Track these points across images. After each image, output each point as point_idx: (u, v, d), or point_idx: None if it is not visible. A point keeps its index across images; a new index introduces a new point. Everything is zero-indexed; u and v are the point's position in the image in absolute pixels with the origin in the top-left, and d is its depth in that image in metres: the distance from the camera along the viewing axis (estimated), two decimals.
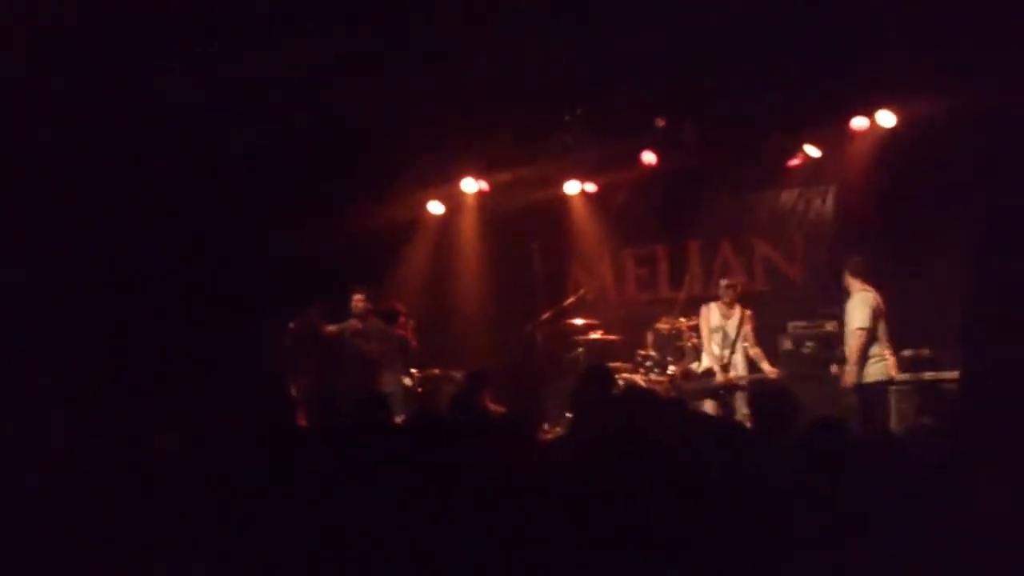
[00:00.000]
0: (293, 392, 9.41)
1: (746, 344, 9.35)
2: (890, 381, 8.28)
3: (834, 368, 8.56)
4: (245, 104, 9.20)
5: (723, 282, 9.65)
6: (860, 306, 8.22)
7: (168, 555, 3.92)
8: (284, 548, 3.93)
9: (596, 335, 10.54)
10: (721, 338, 9.38)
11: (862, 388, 8.28)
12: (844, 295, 8.54)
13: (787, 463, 4.32)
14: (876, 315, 8.24)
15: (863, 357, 8.21)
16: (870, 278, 8.43)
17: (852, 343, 8.26)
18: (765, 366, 9.26)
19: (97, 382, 7.77)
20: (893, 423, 8.14)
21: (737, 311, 9.42)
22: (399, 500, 3.99)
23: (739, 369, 9.33)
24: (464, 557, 3.72)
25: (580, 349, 10.49)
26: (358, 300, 10.12)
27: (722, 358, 9.28)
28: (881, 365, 8.23)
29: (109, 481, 4.41)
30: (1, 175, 8.28)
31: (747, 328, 9.38)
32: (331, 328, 10.14)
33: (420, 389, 10.27)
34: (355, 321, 10.14)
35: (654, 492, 3.89)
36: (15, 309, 8.11)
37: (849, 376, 8.27)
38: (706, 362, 9.43)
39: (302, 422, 6.18)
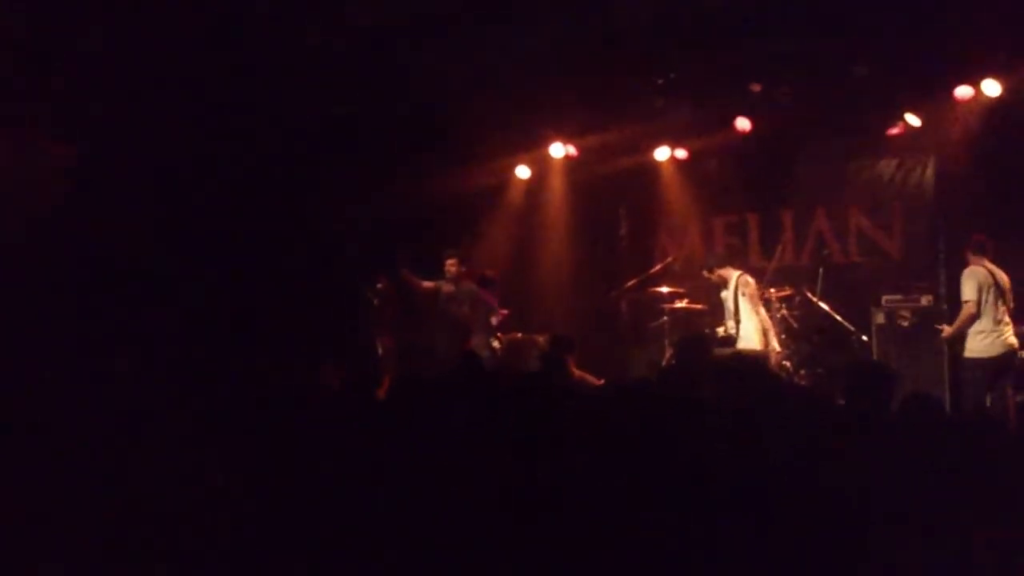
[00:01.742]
0: (379, 349, 9.63)
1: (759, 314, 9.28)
2: (993, 358, 8.04)
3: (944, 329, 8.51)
4: (336, 71, 9.25)
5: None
6: (968, 279, 8.14)
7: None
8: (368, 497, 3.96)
9: (681, 304, 10.42)
10: (725, 311, 9.43)
11: (963, 362, 8.16)
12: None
13: (879, 438, 4.23)
14: (983, 290, 8.05)
15: (965, 328, 8.10)
16: (988, 255, 8.20)
17: (961, 314, 8.19)
18: (768, 338, 9.17)
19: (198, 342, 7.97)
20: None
21: (731, 282, 9.34)
22: (491, 455, 4.01)
23: (748, 342, 9.28)
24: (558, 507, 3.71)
25: (665, 318, 10.40)
26: (451, 264, 10.16)
27: (727, 328, 9.32)
28: (988, 342, 8.04)
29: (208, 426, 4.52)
30: (101, 149, 8.54)
31: (746, 296, 9.27)
32: (428, 284, 10.21)
33: (503, 352, 10.27)
34: (448, 284, 10.17)
35: (741, 461, 3.84)
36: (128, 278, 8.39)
37: (944, 333, 8.38)
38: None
39: (387, 378, 6.22)
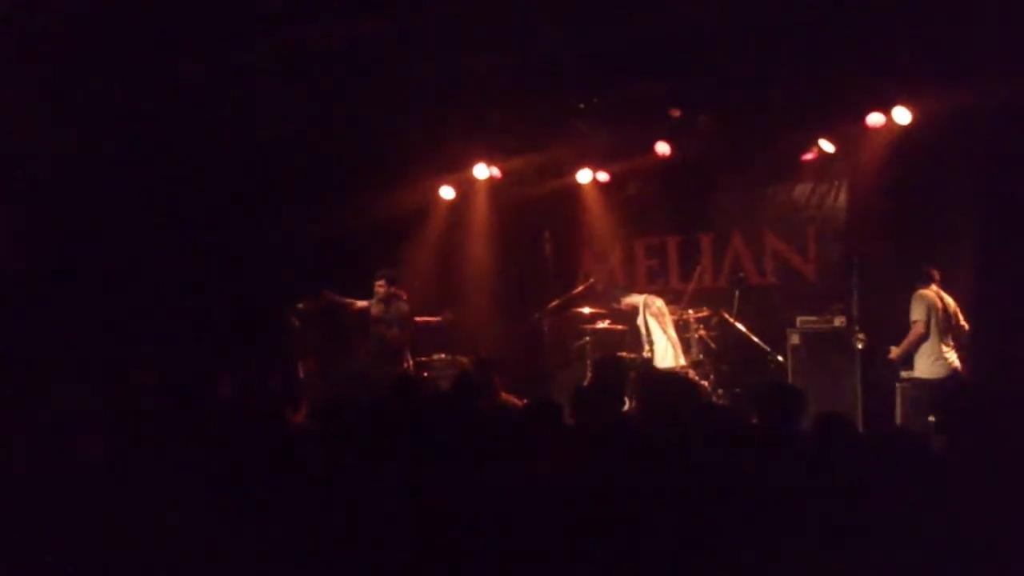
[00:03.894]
0: (300, 372, 9.57)
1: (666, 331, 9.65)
2: (937, 379, 8.35)
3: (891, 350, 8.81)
4: (260, 92, 9.23)
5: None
6: (917, 302, 8.58)
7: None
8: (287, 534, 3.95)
9: (603, 325, 10.54)
10: (642, 336, 9.75)
11: (912, 382, 8.55)
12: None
13: (791, 458, 4.34)
14: (931, 312, 8.48)
15: (914, 349, 8.53)
16: (936, 283, 8.66)
17: (909, 334, 8.58)
18: (676, 352, 9.60)
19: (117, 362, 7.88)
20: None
21: (640, 307, 9.61)
22: (408, 485, 4.02)
23: (664, 362, 9.54)
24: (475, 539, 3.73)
25: (587, 338, 10.51)
26: (380, 285, 10.03)
27: (644, 352, 9.66)
28: (934, 364, 8.42)
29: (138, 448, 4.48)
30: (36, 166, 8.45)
31: (652, 315, 9.55)
32: (361, 304, 10.15)
33: (426, 374, 10.27)
34: (377, 305, 10.08)
35: (654, 484, 3.91)
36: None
37: (892, 354, 8.71)
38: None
39: (304, 403, 6.21)
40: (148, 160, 9.21)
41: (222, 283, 9.68)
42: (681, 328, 9.97)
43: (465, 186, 11.67)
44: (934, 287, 8.62)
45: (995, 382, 8.19)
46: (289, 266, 10.27)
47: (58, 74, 8.18)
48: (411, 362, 10.24)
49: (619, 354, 9.65)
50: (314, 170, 10.32)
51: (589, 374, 9.92)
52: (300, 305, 10.02)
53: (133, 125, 8.88)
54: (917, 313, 8.50)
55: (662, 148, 10.66)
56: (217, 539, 3.95)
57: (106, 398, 5.60)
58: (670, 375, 9.15)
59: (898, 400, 8.80)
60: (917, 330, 8.48)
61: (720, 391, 9.76)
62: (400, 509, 3.81)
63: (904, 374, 8.75)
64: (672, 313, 9.97)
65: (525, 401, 7.16)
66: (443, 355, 10.54)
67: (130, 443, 4.78)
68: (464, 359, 10.25)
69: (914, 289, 8.66)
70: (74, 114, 8.49)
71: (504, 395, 7.46)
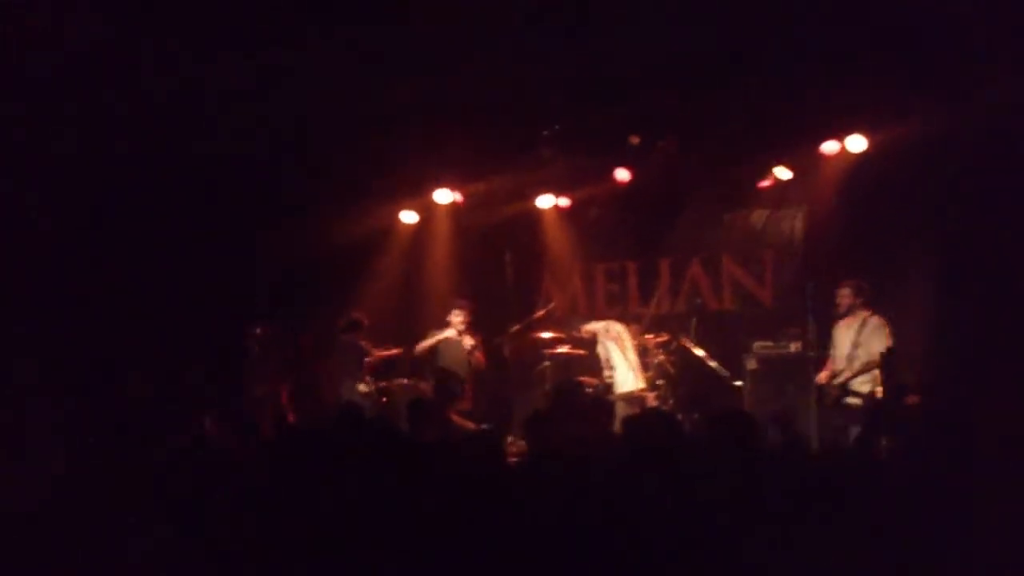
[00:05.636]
0: (257, 394, 9.53)
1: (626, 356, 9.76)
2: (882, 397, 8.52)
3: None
4: (219, 113, 9.21)
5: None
6: (882, 331, 8.76)
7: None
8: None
9: (563, 349, 10.58)
10: (602, 362, 9.87)
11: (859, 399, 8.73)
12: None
13: (746, 480, 4.38)
14: None
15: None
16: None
17: (869, 364, 8.67)
18: (636, 376, 9.69)
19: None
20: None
21: (599, 333, 9.73)
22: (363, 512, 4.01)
23: (624, 387, 9.66)
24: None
25: (547, 363, 10.54)
26: (464, 315, 10.25)
27: (604, 378, 9.76)
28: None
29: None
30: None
31: (611, 340, 9.65)
32: (426, 343, 10.32)
33: (385, 399, 10.23)
34: (465, 334, 10.22)
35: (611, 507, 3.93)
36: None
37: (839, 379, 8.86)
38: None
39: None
40: (94, 181, 9.15)
41: (177, 309, 9.62)
42: (641, 353, 10.03)
43: (427, 210, 11.68)
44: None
45: (952, 403, 8.31)
46: (249, 291, 10.22)
47: None
48: (373, 386, 10.22)
49: (578, 379, 9.66)
50: (275, 194, 10.30)
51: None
52: (257, 331, 9.98)
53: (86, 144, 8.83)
54: (884, 344, 8.59)
55: (622, 175, 10.75)
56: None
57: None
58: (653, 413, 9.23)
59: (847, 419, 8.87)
60: (878, 361, 8.55)
61: (679, 416, 9.79)
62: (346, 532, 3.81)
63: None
64: (633, 336, 10.03)
65: (483, 427, 7.19)
66: (404, 380, 10.50)
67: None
68: (425, 385, 10.23)
69: (871, 314, 8.77)
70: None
71: (457, 420, 7.47)
